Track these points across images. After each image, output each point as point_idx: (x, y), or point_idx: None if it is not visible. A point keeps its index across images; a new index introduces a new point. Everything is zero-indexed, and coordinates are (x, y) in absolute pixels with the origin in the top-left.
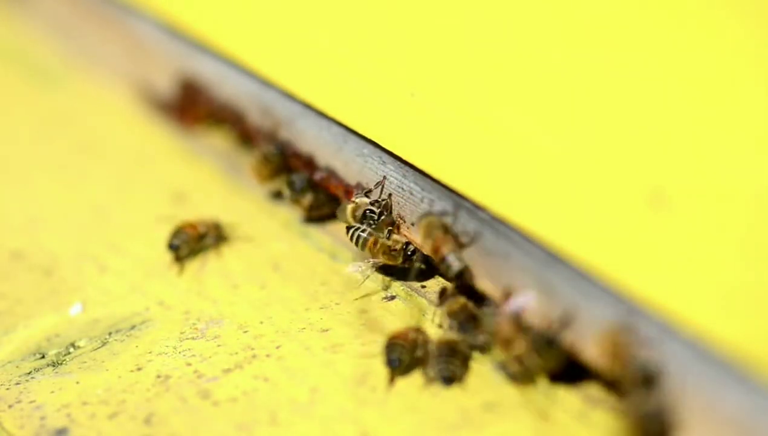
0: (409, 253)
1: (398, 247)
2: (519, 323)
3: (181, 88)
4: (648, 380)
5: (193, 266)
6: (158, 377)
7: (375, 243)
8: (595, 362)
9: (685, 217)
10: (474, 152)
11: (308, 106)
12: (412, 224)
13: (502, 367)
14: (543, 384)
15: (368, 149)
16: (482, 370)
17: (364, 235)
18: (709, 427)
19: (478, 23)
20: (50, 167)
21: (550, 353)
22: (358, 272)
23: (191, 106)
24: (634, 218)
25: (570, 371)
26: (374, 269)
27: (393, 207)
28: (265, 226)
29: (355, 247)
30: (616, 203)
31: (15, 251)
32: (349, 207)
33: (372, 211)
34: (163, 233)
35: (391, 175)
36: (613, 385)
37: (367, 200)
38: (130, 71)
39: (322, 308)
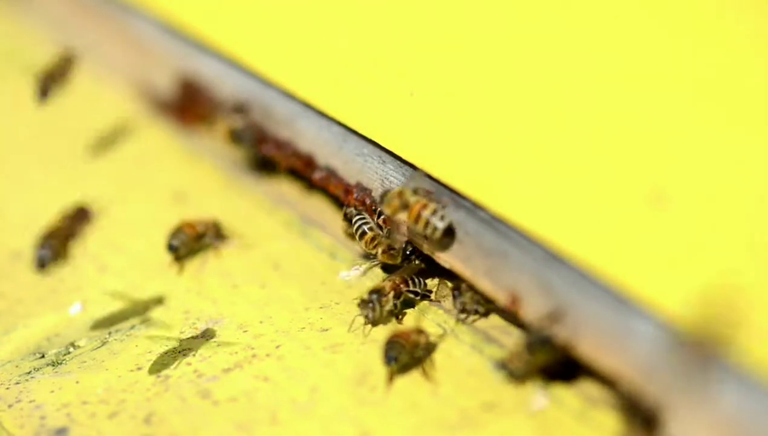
0: (408, 252)
1: (397, 246)
2: None
3: (181, 88)
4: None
5: (192, 265)
6: (158, 376)
7: (373, 239)
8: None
9: (685, 216)
10: (474, 152)
11: (308, 106)
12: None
13: (502, 366)
14: (542, 384)
15: (368, 149)
16: (482, 370)
17: (365, 228)
18: (709, 427)
19: (478, 22)
20: (50, 167)
21: (545, 351)
22: (350, 277)
23: (191, 106)
24: (634, 217)
25: (569, 370)
26: (374, 268)
27: None
28: (265, 226)
29: (354, 235)
30: (616, 202)
31: (15, 251)
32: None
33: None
34: (163, 233)
35: (390, 175)
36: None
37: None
38: (130, 71)
39: (322, 308)
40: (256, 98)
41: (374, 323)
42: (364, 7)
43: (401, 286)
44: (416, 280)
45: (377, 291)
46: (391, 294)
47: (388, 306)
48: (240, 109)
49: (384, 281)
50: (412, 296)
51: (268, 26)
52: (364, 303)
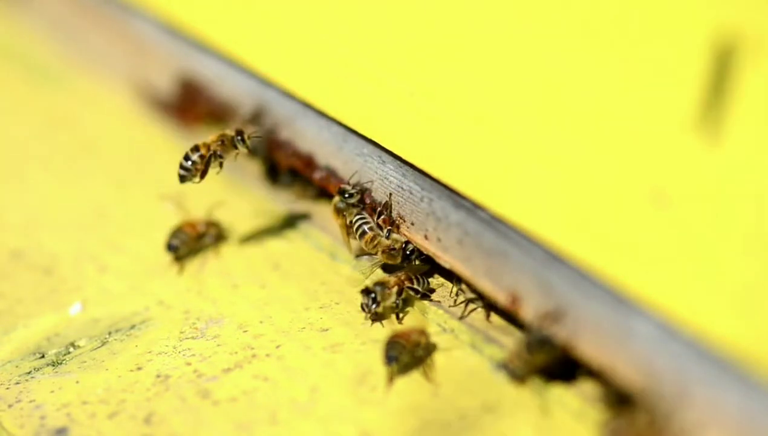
0: (408, 252)
1: (397, 246)
2: None
3: (181, 88)
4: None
5: (192, 265)
6: (158, 376)
7: (372, 239)
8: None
9: (685, 217)
10: (474, 152)
11: (308, 106)
12: (412, 224)
13: (502, 367)
14: (541, 384)
15: (368, 149)
16: (482, 370)
17: (365, 227)
18: (709, 427)
19: (478, 22)
20: (50, 167)
21: (544, 352)
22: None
23: (191, 106)
24: (633, 218)
25: (568, 370)
26: (375, 268)
27: (393, 206)
28: (265, 226)
29: (354, 234)
30: (616, 203)
31: (15, 251)
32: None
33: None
34: (163, 233)
35: (390, 175)
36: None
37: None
38: (130, 71)
39: (321, 308)
40: (256, 98)
41: (374, 316)
42: (364, 7)
43: (406, 282)
44: (420, 279)
45: (381, 283)
46: (395, 289)
47: (391, 300)
48: (255, 120)
49: (390, 276)
50: (412, 293)
51: (268, 26)
52: (366, 292)
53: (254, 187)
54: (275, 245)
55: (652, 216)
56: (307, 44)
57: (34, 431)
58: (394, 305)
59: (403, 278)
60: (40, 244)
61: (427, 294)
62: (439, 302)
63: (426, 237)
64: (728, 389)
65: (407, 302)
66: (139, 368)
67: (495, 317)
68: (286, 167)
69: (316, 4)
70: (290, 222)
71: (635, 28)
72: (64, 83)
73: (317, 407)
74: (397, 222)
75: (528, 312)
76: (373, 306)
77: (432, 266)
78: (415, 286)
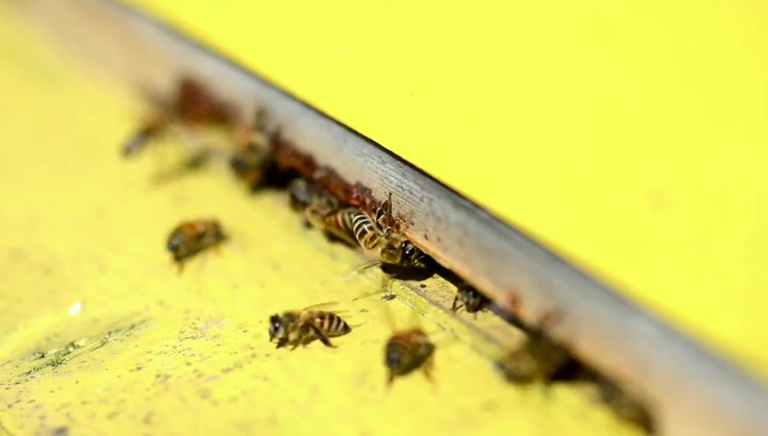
0: (407, 251)
1: (397, 245)
2: None
3: (181, 88)
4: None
5: (192, 265)
6: (158, 376)
7: (372, 238)
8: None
9: (685, 217)
10: (474, 152)
11: (308, 106)
12: (412, 224)
13: (501, 367)
14: (541, 383)
15: (368, 149)
16: (482, 370)
17: (365, 226)
18: (709, 427)
19: (478, 22)
20: (50, 167)
21: (543, 353)
22: (356, 273)
23: (191, 106)
24: (633, 218)
25: (569, 370)
26: (374, 268)
27: (393, 206)
28: (265, 226)
29: (354, 234)
30: (616, 203)
31: (15, 251)
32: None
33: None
34: (163, 233)
35: (390, 175)
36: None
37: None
38: (130, 71)
39: (321, 308)
40: (256, 98)
41: (280, 342)
42: (364, 7)
43: (316, 320)
44: (333, 321)
45: (290, 315)
46: (300, 323)
47: (295, 333)
48: (261, 126)
49: (303, 310)
50: (316, 333)
51: (268, 26)
52: (272, 320)
53: (254, 187)
54: (275, 245)
55: (652, 216)
56: (307, 44)
57: (33, 431)
58: (299, 337)
59: (313, 315)
60: (40, 244)
61: (327, 340)
62: (438, 301)
63: (426, 237)
64: (728, 389)
65: (312, 338)
66: (139, 368)
67: (495, 317)
68: (286, 167)
69: (316, 4)
70: (290, 222)
71: (634, 28)
72: (64, 83)
73: (317, 407)
74: (397, 222)
75: (528, 312)
76: (275, 336)
77: (432, 266)
78: (324, 327)
